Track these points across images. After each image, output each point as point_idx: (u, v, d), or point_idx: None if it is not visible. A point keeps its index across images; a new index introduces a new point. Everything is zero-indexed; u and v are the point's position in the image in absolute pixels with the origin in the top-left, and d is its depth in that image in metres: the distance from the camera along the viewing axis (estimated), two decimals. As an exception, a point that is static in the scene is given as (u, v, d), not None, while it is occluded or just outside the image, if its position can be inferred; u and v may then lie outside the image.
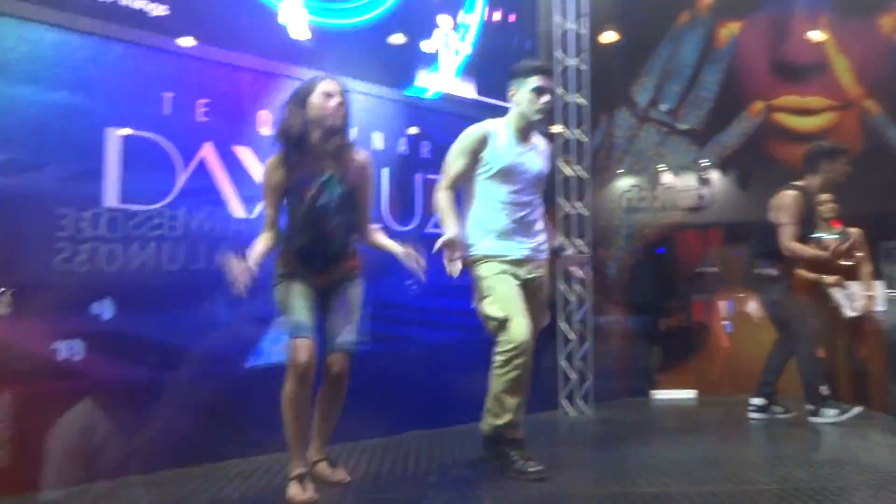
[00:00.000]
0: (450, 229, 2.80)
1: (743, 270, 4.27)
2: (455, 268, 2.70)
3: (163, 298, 3.07)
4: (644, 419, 4.48)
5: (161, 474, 2.88)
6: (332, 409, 2.70)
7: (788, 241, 3.88)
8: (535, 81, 2.90)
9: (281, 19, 3.55)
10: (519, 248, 2.92)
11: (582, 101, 4.65)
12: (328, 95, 2.54)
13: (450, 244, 2.71)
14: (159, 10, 3.13)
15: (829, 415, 3.86)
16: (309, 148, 2.55)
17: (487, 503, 2.59)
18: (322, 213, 2.54)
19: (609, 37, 5.28)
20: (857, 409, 3.85)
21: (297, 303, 2.54)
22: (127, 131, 3.00)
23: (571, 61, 4.65)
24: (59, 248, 2.81)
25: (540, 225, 3.02)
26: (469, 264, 2.91)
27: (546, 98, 2.92)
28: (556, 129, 4.60)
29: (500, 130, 2.93)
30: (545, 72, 2.98)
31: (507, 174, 2.89)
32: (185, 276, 3.15)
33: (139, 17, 3.07)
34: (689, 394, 5.21)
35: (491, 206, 2.91)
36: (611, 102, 5.40)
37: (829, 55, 5.36)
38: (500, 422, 2.81)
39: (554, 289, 4.43)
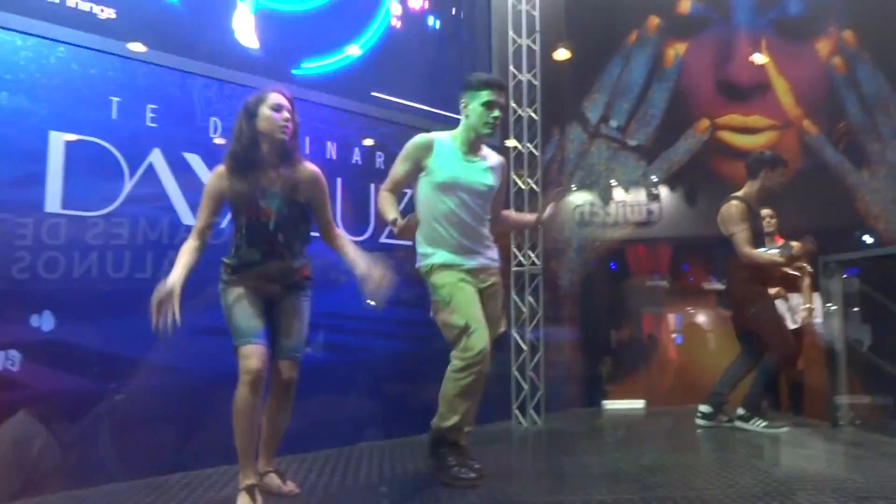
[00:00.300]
0: (390, 214, 2.78)
1: (692, 285, 4.37)
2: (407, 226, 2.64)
3: (107, 308, 2.98)
4: (594, 428, 4.54)
5: (102, 489, 2.79)
6: (279, 419, 2.66)
7: (744, 246, 3.94)
8: (486, 95, 2.89)
9: (232, 26, 3.53)
10: (472, 258, 2.94)
11: (534, 115, 4.73)
12: (278, 108, 2.53)
13: (396, 225, 2.66)
14: (107, 14, 3.07)
15: (758, 424, 3.99)
16: (257, 160, 2.53)
17: (439, 513, 2.58)
18: (269, 228, 2.52)
19: (561, 54, 5.39)
20: (785, 429, 3.99)
21: (246, 309, 2.50)
22: (72, 136, 2.92)
23: (524, 76, 4.73)
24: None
25: (489, 237, 3.03)
26: (425, 274, 2.93)
27: (496, 113, 2.91)
28: (510, 142, 4.67)
29: (447, 141, 2.96)
30: (497, 86, 2.95)
31: (450, 186, 2.90)
32: (130, 284, 3.07)
33: (87, 19, 3.01)
34: (638, 404, 5.30)
35: (439, 217, 2.92)
36: (563, 118, 5.51)
37: (770, 76, 5.59)
38: (445, 424, 2.82)
39: (507, 300, 4.48)
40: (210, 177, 2.59)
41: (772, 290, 4.45)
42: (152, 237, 3.16)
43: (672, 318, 5.73)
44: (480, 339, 2.75)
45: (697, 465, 3.31)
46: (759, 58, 5.57)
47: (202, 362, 3.12)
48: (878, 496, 2.57)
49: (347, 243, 2.66)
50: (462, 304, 2.81)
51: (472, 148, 2.97)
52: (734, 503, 2.54)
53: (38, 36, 2.86)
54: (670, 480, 2.90)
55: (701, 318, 5.68)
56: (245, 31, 3.60)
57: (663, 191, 5.48)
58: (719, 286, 4.14)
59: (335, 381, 3.70)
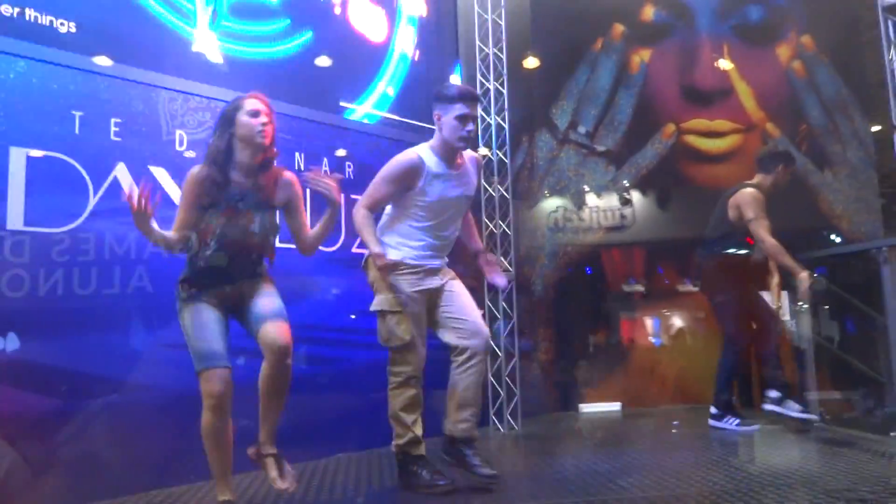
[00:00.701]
0: (373, 246, 2.81)
1: (667, 287, 4.40)
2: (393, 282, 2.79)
3: (73, 325, 2.93)
4: (571, 432, 4.56)
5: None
6: (277, 391, 2.52)
7: (766, 233, 3.90)
8: (459, 108, 2.84)
9: (195, 45, 3.51)
10: (433, 261, 2.97)
11: (502, 122, 4.77)
12: (255, 113, 2.53)
13: (380, 260, 2.75)
14: (68, 27, 3.04)
15: (731, 423, 4.05)
16: (237, 167, 2.54)
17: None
18: (249, 230, 2.51)
19: (529, 62, 5.45)
20: (756, 427, 4.05)
21: (207, 329, 2.45)
22: (34, 151, 2.88)
23: (491, 84, 4.76)
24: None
25: (453, 242, 3.07)
26: (381, 268, 2.81)
27: (470, 126, 2.87)
28: (481, 151, 4.70)
29: (429, 159, 2.90)
30: (471, 98, 2.91)
31: (436, 207, 2.91)
32: (98, 301, 3.02)
33: (47, 33, 2.97)
34: (614, 406, 5.34)
35: (415, 226, 2.93)
36: (532, 125, 5.55)
37: (733, 81, 5.69)
38: (402, 441, 2.87)
39: (482, 307, 4.49)
40: (187, 178, 2.52)
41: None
42: (119, 252, 3.12)
43: (648, 321, 5.79)
44: (420, 358, 2.86)
45: (672, 465, 3.34)
46: (722, 63, 5.67)
47: (172, 378, 3.07)
48: (849, 491, 2.61)
49: (311, 230, 2.70)
50: (412, 319, 2.85)
51: (450, 161, 2.94)
52: (706, 501, 2.56)
53: (-3, 51, 2.81)
54: (644, 481, 2.93)
55: (676, 320, 5.74)
56: (208, 48, 3.57)
57: (635, 195, 5.54)
58: (693, 288, 4.17)
59: (312, 392, 3.67)
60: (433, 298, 2.95)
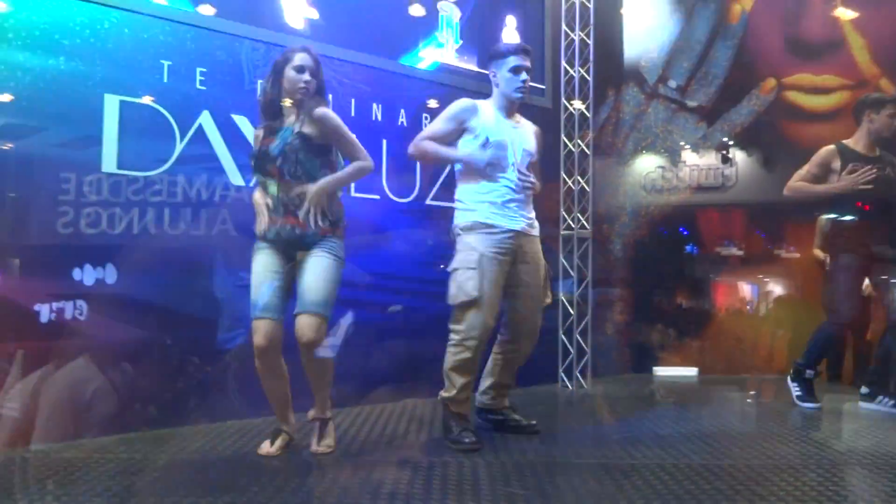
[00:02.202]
0: (452, 153, 2.98)
1: (767, 252, 4.16)
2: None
3: (165, 263, 3.14)
4: (639, 394, 4.49)
5: (160, 431, 3.01)
6: (314, 374, 2.68)
7: (791, 181, 3.79)
8: (512, 61, 2.98)
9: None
10: (514, 219, 2.96)
11: (586, 75, 4.62)
12: (301, 69, 2.64)
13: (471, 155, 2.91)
14: (159, -22, 3.17)
15: (795, 390, 3.87)
16: (278, 112, 2.69)
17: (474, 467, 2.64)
18: (270, 153, 2.61)
19: (618, 11, 5.21)
20: (817, 405, 3.80)
21: (262, 279, 2.61)
22: (126, 98, 3.05)
23: (576, 35, 4.61)
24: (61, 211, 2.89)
25: (530, 202, 3.07)
26: (461, 230, 2.96)
27: (524, 76, 2.99)
28: (563, 103, 4.59)
29: (485, 108, 3.02)
30: (522, 51, 3.02)
31: (496, 147, 2.93)
32: (186, 240, 3.21)
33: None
34: (690, 371, 5.21)
35: (483, 178, 2.95)
36: (618, 77, 5.34)
37: (845, 32, 5.24)
38: (446, 395, 2.96)
39: (556, 264, 4.46)
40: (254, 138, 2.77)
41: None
42: (204, 196, 3.29)
43: (743, 286, 5.54)
44: (481, 322, 2.86)
45: (737, 434, 3.25)
46: (841, 12, 5.21)
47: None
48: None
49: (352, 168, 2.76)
50: (484, 276, 2.86)
51: (509, 114, 3.06)
52: (763, 474, 2.50)
53: (92, 2, 2.97)
54: (702, 448, 2.87)
55: (774, 286, 5.47)
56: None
57: (738, 154, 5.26)
58: (795, 254, 3.92)
59: (385, 339, 3.80)
60: (512, 269, 2.97)
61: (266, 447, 2.69)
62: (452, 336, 2.93)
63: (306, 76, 2.63)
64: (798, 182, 3.83)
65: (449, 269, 2.96)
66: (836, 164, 3.78)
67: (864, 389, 3.90)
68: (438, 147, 2.96)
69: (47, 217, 2.86)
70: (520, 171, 2.97)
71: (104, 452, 2.67)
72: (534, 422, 3.15)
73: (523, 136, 3.06)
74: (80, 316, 2.90)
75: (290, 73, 2.64)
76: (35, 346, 2.79)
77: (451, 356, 2.93)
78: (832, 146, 3.82)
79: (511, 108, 3.06)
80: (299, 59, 2.64)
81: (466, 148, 2.97)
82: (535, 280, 3.04)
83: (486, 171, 2.93)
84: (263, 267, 2.62)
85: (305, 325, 2.56)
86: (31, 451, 2.68)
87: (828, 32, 5.21)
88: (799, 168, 3.88)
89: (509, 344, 3.10)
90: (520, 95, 3.01)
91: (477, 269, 2.86)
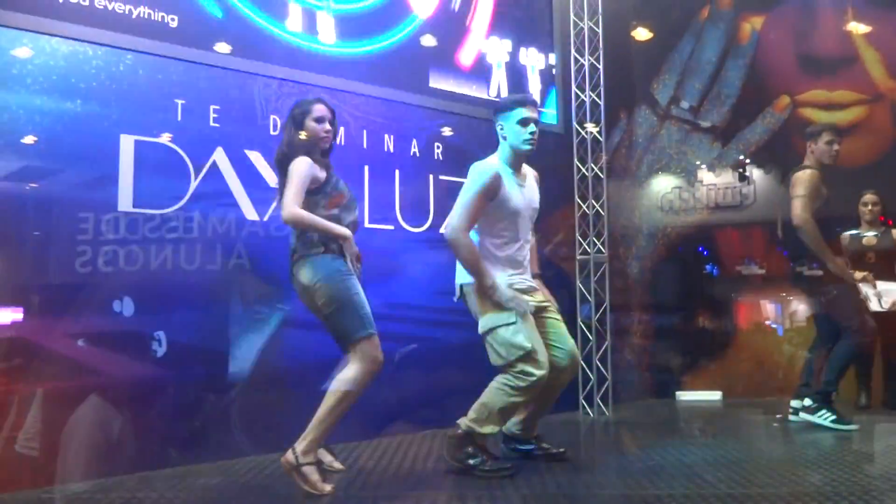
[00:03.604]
0: (487, 278, 2.85)
1: (788, 271, 4.11)
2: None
3: (180, 298, 3.17)
4: (662, 421, 4.41)
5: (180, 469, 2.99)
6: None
7: (803, 210, 3.71)
8: (519, 113, 2.92)
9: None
10: (522, 279, 3.00)
11: (597, 99, 4.62)
12: (321, 119, 2.74)
13: (498, 289, 2.83)
14: (172, 22, 3.23)
15: (825, 418, 3.75)
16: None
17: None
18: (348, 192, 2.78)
19: (628, 35, 5.23)
20: (854, 427, 3.73)
21: (363, 295, 2.64)
22: (140, 137, 3.09)
23: (586, 59, 4.62)
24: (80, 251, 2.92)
25: (528, 258, 3.10)
26: (483, 290, 2.87)
27: (532, 128, 2.93)
28: (574, 127, 4.59)
29: (504, 170, 2.94)
30: (528, 103, 2.99)
31: (516, 217, 2.95)
32: (202, 276, 3.23)
33: (152, 27, 3.17)
34: (715, 395, 5.11)
35: (499, 243, 2.96)
36: (630, 100, 5.34)
37: (858, 47, 5.20)
38: (481, 430, 2.86)
39: (574, 289, 4.43)
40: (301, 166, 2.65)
41: (860, 275, 4.19)
42: (220, 231, 3.31)
43: (766, 305, 5.43)
44: (545, 363, 2.83)
45: (764, 461, 3.17)
46: (853, 27, 5.18)
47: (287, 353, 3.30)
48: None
49: None
50: (527, 326, 2.85)
51: (518, 170, 3.01)
52: (800, 503, 2.42)
53: (107, 45, 3.03)
54: (730, 477, 2.79)
55: (798, 305, 5.35)
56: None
57: (755, 172, 5.21)
58: (819, 272, 3.85)
59: (401, 370, 3.77)
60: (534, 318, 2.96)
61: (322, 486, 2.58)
62: (514, 381, 2.82)
63: (327, 126, 2.75)
64: (817, 232, 3.74)
65: (481, 330, 2.90)
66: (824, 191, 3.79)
67: (806, 402, 3.82)
68: (480, 260, 2.87)
69: (66, 256, 2.89)
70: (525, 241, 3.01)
71: (122, 491, 2.66)
72: (562, 449, 3.11)
73: (530, 194, 3.04)
74: (98, 352, 2.91)
75: (311, 123, 2.74)
76: (54, 385, 2.80)
77: (507, 397, 2.82)
78: (816, 171, 3.79)
79: (519, 161, 2.99)
80: (318, 111, 2.74)
81: (492, 220, 2.94)
82: (549, 298, 3.10)
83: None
84: (358, 285, 2.66)
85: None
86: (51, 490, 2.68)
87: (840, 47, 5.19)
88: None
89: (550, 371, 2.94)
90: (528, 147, 2.94)
91: (518, 321, 2.82)
